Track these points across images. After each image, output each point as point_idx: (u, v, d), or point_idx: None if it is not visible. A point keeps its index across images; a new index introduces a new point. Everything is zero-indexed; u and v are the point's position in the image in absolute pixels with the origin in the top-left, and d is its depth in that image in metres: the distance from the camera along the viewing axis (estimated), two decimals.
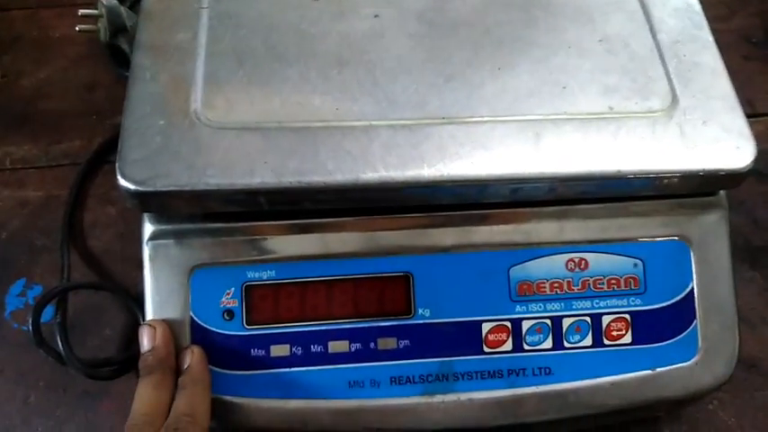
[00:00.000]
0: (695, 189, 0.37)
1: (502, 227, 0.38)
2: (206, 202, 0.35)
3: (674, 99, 0.38)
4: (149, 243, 0.37)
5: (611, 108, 0.37)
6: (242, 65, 0.38)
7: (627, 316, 0.38)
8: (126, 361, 0.44)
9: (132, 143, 0.34)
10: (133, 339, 0.46)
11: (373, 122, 0.36)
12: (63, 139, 0.56)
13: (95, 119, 0.57)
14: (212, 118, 0.36)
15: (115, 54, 0.59)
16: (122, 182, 0.34)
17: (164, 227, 0.38)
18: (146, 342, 0.37)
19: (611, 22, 0.41)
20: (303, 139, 0.36)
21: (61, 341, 0.43)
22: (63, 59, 0.60)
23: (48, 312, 0.46)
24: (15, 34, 0.62)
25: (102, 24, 0.58)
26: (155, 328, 0.36)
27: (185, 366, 0.36)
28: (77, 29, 0.57)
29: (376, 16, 0.40)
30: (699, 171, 0.36)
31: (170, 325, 0.36)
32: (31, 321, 0.43)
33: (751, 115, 0.57)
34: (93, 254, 0.51)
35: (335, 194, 0.35)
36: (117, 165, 0.34)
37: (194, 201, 0.35)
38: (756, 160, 0.37)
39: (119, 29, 0.58)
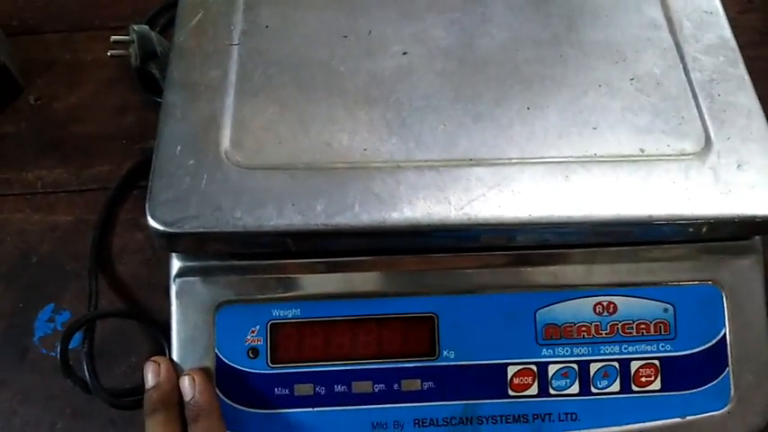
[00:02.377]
0: (729, 234, 0.37)
1: (529, 269, 0.38)
2: (233, 244, 0.35)
3: (708, 141, 0.37)
4: (176, 280, 0.38)
5: (642, 150, 0.37)
6: (271, 104, 0.38)
7: (656, 362, 0.37)
8: None
9: (162, 183, 0.35)
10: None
11: (401, 164, 0.36)
12: (93, 163, 0.57)
13: (125, 143, 0.58)
14: (241, 158, 0.36)
15: (145, 78, 0.60)
16: (152, 222, 0.34)
17: (191, 263, 0.38)
18: (150, 378, 0.37)
19: (643, 60, 0.40)
20: (330, 180, 0.36)
21: (88, 371, 0.43)
22: (95, 83, 0.61)
23: (75, 338, 0.46)
24: (49, 57, 0.63)
25: (132, 49, 0.59)
26: (159, 365, 0.37)
27: (189, 398, 0.36)
28: (109, 54, 0.59)
29: (404, 53, 0.40)
30: (733, 218, 0.35)
31: (197, 365, 0.37)
32: (59, 350, 0.44)
33: None
34: (120, 280, 0.51)
35: (362, 237, 0.35)
36: (147, 205, 0.35)
37: (222, 242, 0.35)
38: None
39: (149, 54, 0.59)
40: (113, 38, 0.58)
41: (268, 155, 0.36)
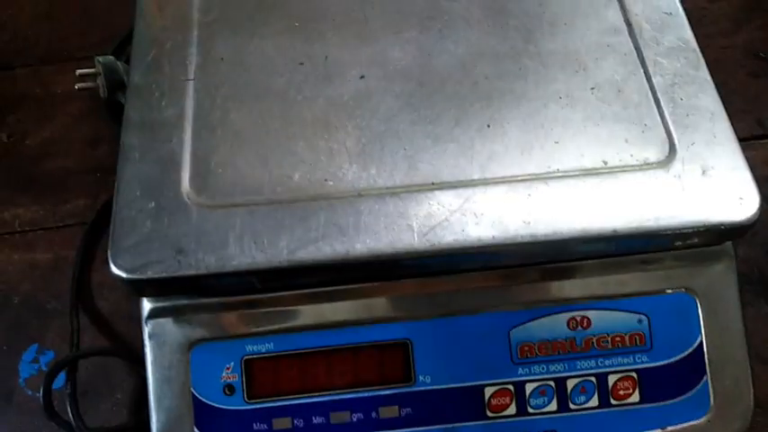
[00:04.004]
0: (699, 242, 0.36)
1: (499, 288, 0.37)
2: (198, 286, 0.35)
3: (672, 148, 0.37)
4: (148, 322, 0.38)
5: (605, 162, 0.36)
6: (229, 139, 0.37)
7: (633, 374, 0.37)
8: (133, 429, 0.44)
9: (123, 229, 0.35)
10: (143, 403, 0.47)
11: (362, 192, 0.36)
12: (69, 198, 0.57)
13: (99, 176, 0.57)
14: (201, 197, 0.36)
15: (115, 109, 0.60)
16: (115, 270, 0.34)
17: (161, 304, 0.38)
18: None
19: (604, 68, 0.39)
20: (292, 214, 0.35)
21: (72, 413, 0.43)
22: (66, 116, 0.61)
23: (60, 378, 0.47)
24: (19, 92, 0.63)
25: (100, 81, 0.58)
26: None
27: None
28: (77, 87, 0.58)
29: (362, 77, 0.40)
30: (700, 226, 0.34)
31: (174, 404, 0.37)
32: (42, 393, 0.44)
33: (761, 136, 0.55)
34: (101, 315, 0.51)
35: (326, 270, 0.35)
36: (109, 253, 0.35)
37: (187, 285, 0.35)
38: None
39: (117, 84, 0.58)
40: (79, 71, 0.58)
41: (228, 192, 0.36)
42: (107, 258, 0.53)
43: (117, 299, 0.52)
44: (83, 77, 0.58)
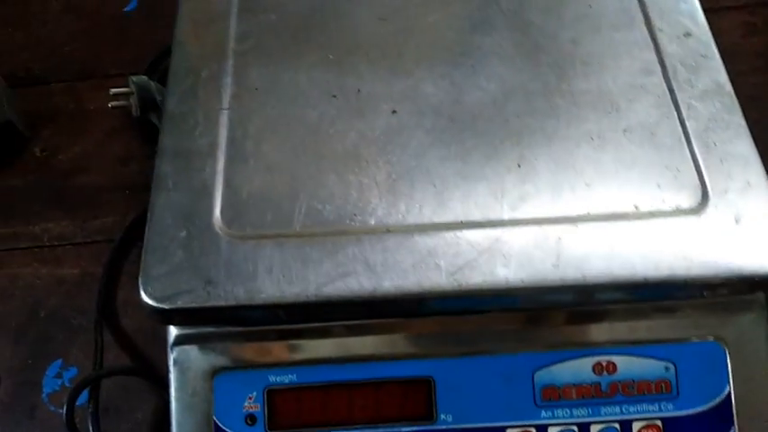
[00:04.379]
0: (729, 291, 0.36)
1: (525, 329, 0.37)
2: (226, 317, 0.35)
3: (705, 195, 0.36)
4: (174, 348, 0.38)
5: (636, 207, 0.36)
6: (261, 170, 0.38)
7: (659, 422, 0.36)
8: None
9: (155, 258, 0.35)
10: (163, 425, 0.47)
11: (390, 228, 0.36)
12: (98, 214, 0.58)
13: (128, 193, 0.58)
14: (232, 228, 0.36)
15: (147, 128, 0.61)
16: (145, 298, 0.34)
17: (187, 331, 0.38)
18: None
19: (637, 109, 0.39)
20: (320, 248, 0.35)
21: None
22: (98, 133, 0.62)
23: (82, 395, 0.47)
24: (54, 107, 0.64)
25: (133, 100, 0.59)
26: None
27: None
28: (110, 105, 0.59)
29: (394, 112, 0.40)
30: (732, 276, 0.34)
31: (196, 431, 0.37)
32: (65, 411, 0.44)
33: None
34: (125, 333, 0.52)
35: (353, 306, 0.35)
36: (139, 280, 0.35)
37: (215, 315, 0.35)
38: None
39: (149, 104, 0.59)
40: (112, 90, 0.59)
41: (259, 223, 0.36)
42: (133, 277, 0.55)
43: (140, 317, 0.53)
44: (116, 96, 0.60)
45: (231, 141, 0.39)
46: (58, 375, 0.51)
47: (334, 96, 0.41)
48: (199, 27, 0.43)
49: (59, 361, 0.51)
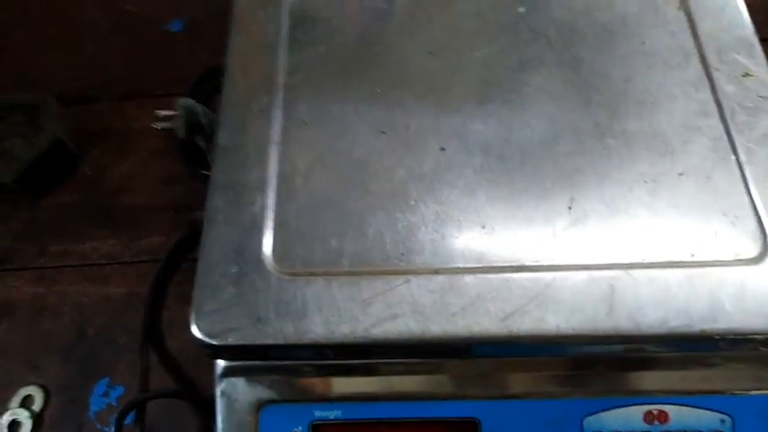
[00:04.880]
0: None
1: (574, 374, 0.37)
2: (275, 354, 0.36)
3: (765, 244, 0.35)
4: (221, 380, 0.39)
5: (692, 255, 0.35)
6: (310, 207, 0.38)
7: None
8: None
9: (206, 293, 0.36)
10: None
11: (439, 269, 0.36)
12: (143, 234, 0.59)
13: (173, 214, 0.60)
14: (281, 265, 0.37)
15: (191, 150, 0.62)
16: (196, 333, 0.35)
17: (235, 363, 0.39)
18: None
19: (692, 152, 0.38)
20: (370, 287, 0.36)
21: None
22: (143, 153, 0.64)
23: (129, 415, 0.48)
24: (102, 126, 0.66)
25: (179, 122, 0.60)
26: None
27: None
28: (156, 126, 0.61)
29: (442, 149, 0.40)
30: None
31: None
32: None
33: None
34: (170, 355, 0.53)
35: (401, 348, 0.35)
36: (192, 315, 0.36)
37: (264, 353, 0.35)
38: None
39: (195, 127, 0.60)
40: (159, 113, 0.60)
41: (308, 261, 0.37)
42: (178, 297, 0.56)
43: (185, 339, 0.53)
44: (163, 119, 0.61)
45: (281, 176, 0.39)
46: (105, 394, 0.52)
47: (383, 132, 0.41)
48: (249, 58, 0.44)
49: (106, 379, 0.52)
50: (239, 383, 0.39)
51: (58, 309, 0.56)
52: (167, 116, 0.61)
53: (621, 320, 0.34)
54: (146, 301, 0.54)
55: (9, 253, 0.59)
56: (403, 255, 0.37)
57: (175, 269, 0.57)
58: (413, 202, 0.38)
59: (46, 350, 0.54)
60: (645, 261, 0.35)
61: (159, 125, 0.62)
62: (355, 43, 0.44)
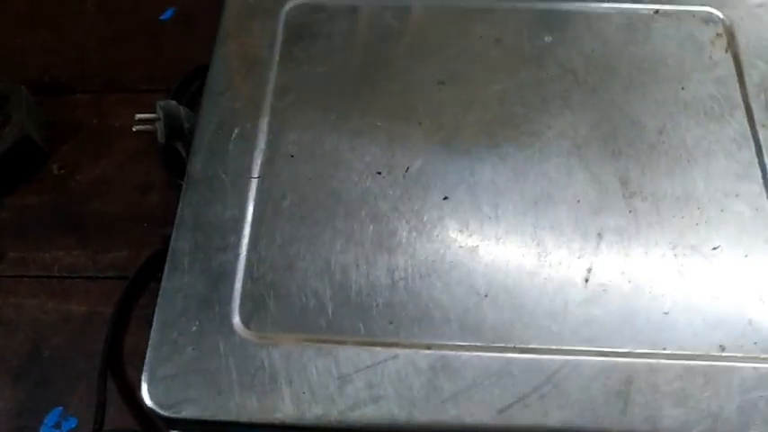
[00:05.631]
0: None
1: None
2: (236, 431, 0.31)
3: None
4: None
5: (722, 348, 0.31)
6: (289, 258, 0.33)
7: None
8: None
9: (161, 354, 0.31)
10: None
11: (431, 345, 0.32)
12: (112, 247, 0.54)
13: (146, 226, 0.54)
14: (250, 327, 0.32)
15: (171, 156, 0.57)
16: (148, 401, 0.31)
17: None
18: None
19: (729, 223, 0.34)
20: (349, 361, 0.31)
21: None
22: (120, 154, 0.58)
23: None
24: (77, 120, 0.61)
25: (159, 126, 0.55)
26: None
27: None
28: (134, 129, 0.55)
29: (445, 198, 0.35)
30: None
31: None
32: None
33: None
34: (130, 386, 0.48)
35: None
36: (143, 376, 0.31)
37: (222, 430, 0.31)
38: None
39: (176, 131, 0.55)
40: (138, 116, 0.55)
41: (281, 322, 0.32)
42: (143, 322, 0.51)
43: None
44: (142, 121, 0.56)
45: (258, 218, 0.35)
46: (57, 425, 0.47)
47: (379, 173, 0.36)
48: (235, 74, 0.39)
49: (59, 409, 0.48)
50: None
51: (13, 323, 0.51)
52: (147, 119, 0.56)
53: (637, 422, 0.29)
54: (108, 324, 0.50)
55: None
56: (391, 323, 0.32)
57: (143, 289, 0.52)
58: (408, 261, 0.33)
59: None
60: (667, 351, 0.31)
61: (137, 128, 0.57)
62: (357, 65, 0.39)
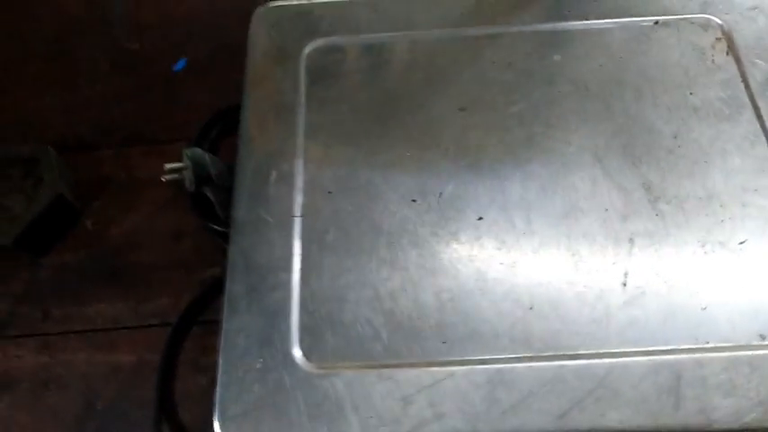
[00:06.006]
0: None
1: None
2: None
3: None
4: None
5: (762, 337, 0.32)
6: (339, 289, 0.35)
7: None
8: None
9: (230, 394, 0.32)
10: None
11: (485, 358, 0.33)
12: (152, 295, 0.56)
13: (182, 272, 0.56)
14: (311, 358, 0.33)
15: (200, 202, 0.59)
16: None
17: None
18: None
19: (753, 217, 0.35)
20: (409, 382, 0.32)
21: None
22: (149, 205, 0.60)
23: None
24: (104, 176, 0.63)
25: (186, 174, 0.57)
26: None
27: None
28: (163, 179, 0.57)
29: (480, 218, 0.37)
30: None
31: None
32: None
33: None
34: (185, 429, 0.50)
35: None
36: (215, 417, 0.33)
37: None
38: None
39: (204, 179, 0.57)
40: (167, 166, 0.57)
41: (340, 352, 0.33)
42: (190, 366, 0.53)
43: (200, 412, 0.50)
44: (170, 171, 0.58)
45: (306, 254, 0.36)
46: None
47: (414, 200, 0.38)
48: (265, 120, 0.41)
49: None
50: None
51: (64, 380, 0.53)
52: (174, 168, 0.58)
53: (690, 415, 0.31)
54: (157, 372, 0.51)
55: (9, 318, 0.56)
56: (444, 343, 0.34)
57: (186, 333, 0.54)
58: (452, 281, 0.35)
59: (53, 426, 0.51)
60: (710, 345, 0.32)
61: (166, 177, 0.59)
62: (379, 100, 0.41)
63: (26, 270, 0.59)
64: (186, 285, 0.57)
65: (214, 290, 0.56)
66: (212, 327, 0.54)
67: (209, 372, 0.52)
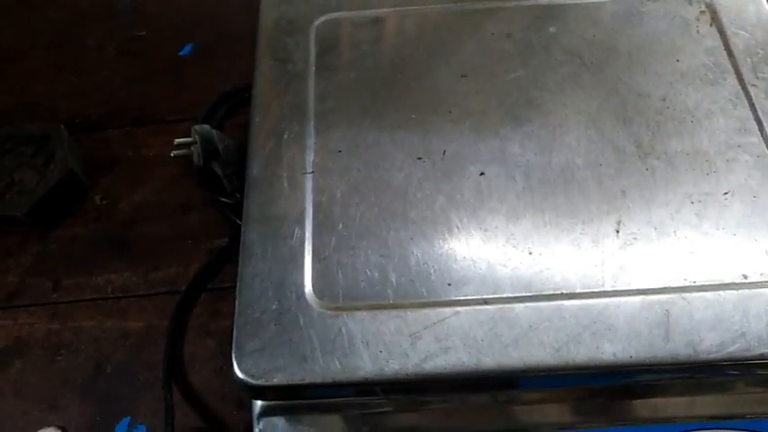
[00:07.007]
0: None
1: (626, 402, 0.36)
2: (322, 393, 0.34)
3: None
4: (260, 420, 0.37)
5: (744, 276, 0.35)
6: (350, 237, 0.37)
7: None
8: None
9: (247, 332, 0.34)
10: None
11: (488, 300, 0.35)
12: (160, 265, 0.57)
13: (191, 243, 0.58)
14: (324, 300, 0.35)
15: (208, 176, 0.61)
16: (240, 375, 0.33)
17: (274, 402, 0.38)
18: None
19: (736, 171, 0.38)
20: (417, 320, 0.34)
21: None
22: (158, 181, 0.62)
23: None
24: (112, 155, 0.65)
25: (195, 149, 0.59)
26: None
27: None
28: (172, 155, 0.59)
29: (482, 174, 0.39)
30: None
31: None
32: None
33: None
34: (194, 390, 0.51)
35: (453, 383, 0.34)
36: (233, 355, 0.34)
37: (309, 392, 0.34)
38: None
39: (212, 153, 0.59)
40: (177, 141, 0.59)
41: (351, 294, 0.35)
42: (199, 330, 0.55)
43: (209, 374, 0.52)
44: (180, 146, 0.60)
45: (317, 207, 0.38)
46: None
47: (420, 158, 0.40)
48: (277, 87, 0.43)
49: (128, 418, 0.50)
50: (279, 423, 0.37)
51: (74, 345, 0.54)
52: (183, 143, 0.60)
53: (679, 347, 0.33)
54: (166, 336, 0.53)
55: (21, 288, 0.57)
56: (450, 285, 0.36)
57: (195, 301, 0.56)
58: (456, 230, 0.37)
59: (64, 389, 0.52)
60: (697, 284, 0.35)
61: (175, 152, 0.61)
62: (386, 68, 0.44)
63: (37, 243, 0.60)
64: (194, 255, 0.59)
65: (223, 258, 0.58)
66: (221, 293, 0.57)
67: (218, 335, 0.54)
